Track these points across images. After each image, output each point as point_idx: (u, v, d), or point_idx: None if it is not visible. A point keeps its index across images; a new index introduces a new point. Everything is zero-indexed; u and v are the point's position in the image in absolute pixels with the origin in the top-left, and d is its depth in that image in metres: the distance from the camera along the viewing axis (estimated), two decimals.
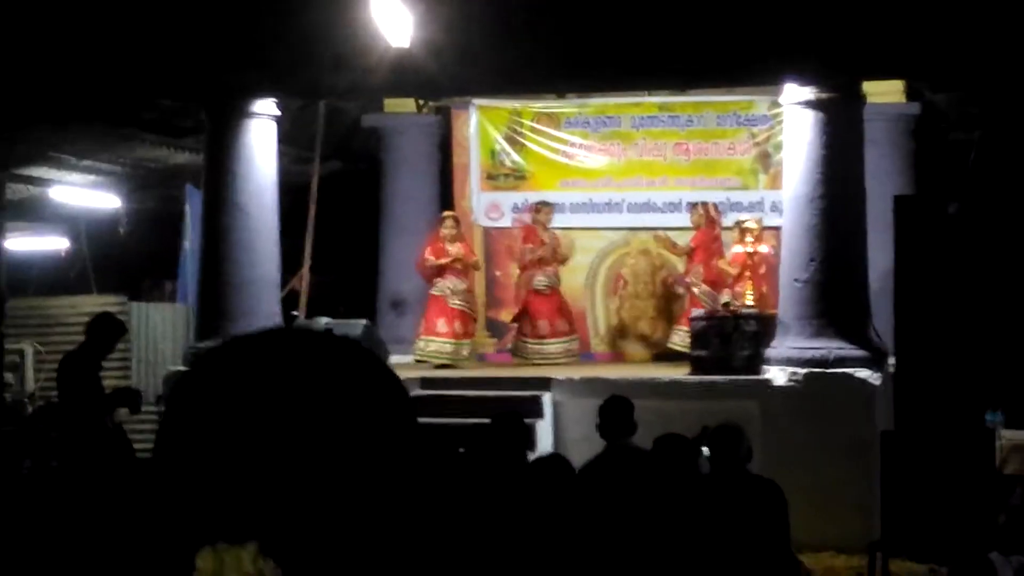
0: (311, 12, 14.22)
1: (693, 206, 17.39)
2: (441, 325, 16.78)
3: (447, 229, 16.95)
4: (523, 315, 17.28)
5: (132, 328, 18.84)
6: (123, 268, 21.95)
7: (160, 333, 19.22)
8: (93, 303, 19.23)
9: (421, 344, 16.83)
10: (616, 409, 9.34)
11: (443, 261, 16.82)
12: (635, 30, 14.00)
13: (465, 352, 17.13)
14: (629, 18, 13.97)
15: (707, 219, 17.08)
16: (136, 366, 18.86)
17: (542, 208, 17.47)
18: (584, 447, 11.10)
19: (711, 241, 17.06)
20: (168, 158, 19.49)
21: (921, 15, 13.50)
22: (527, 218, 17.70)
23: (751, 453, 8.88)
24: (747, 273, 16.01)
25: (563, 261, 17.63)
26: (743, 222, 16.57)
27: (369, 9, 13.80)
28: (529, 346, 17.19)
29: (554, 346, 17.15)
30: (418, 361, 16.69)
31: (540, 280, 17.25)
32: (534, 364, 16.87)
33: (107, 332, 13.08)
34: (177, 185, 19.73)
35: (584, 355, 18.16)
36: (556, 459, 8.38)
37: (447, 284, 16.86)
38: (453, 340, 16.89)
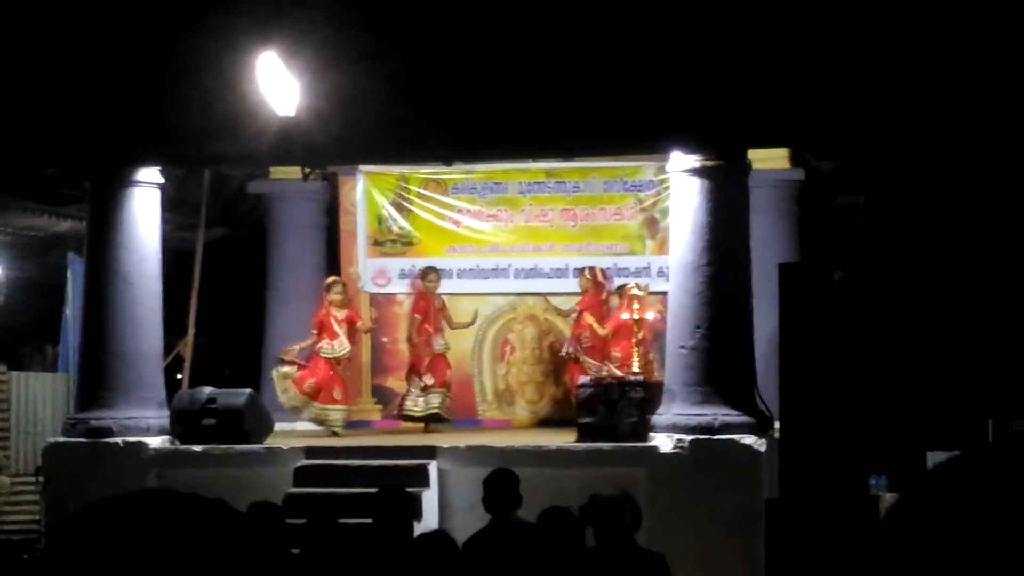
0: (195, 80, 14.14)
1: (581, 271, 17.45)
2: (337, 392, 16.67)
3: (335, 294, 16.87)
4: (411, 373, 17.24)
5: (11, 398, 18.60)
6: (3, 337, 21.64)
7: (40, 403, 18.95)
8: None
9: (322, 411, 16.61)
10: (501, 482, 9.27)
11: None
12: (521, 100, 14.03)
13: (348, 419, 17.09)
14: (515, 88, 14.01)
15: (594, 283, 17.16)
16: (15, 436, 18.60)
17: (429, 273, 17.43)
18: (471, 516, 11.05)
19: (598, 305, 17.11)
20: (50, 226, 19.29)
21: (802, 85, 13.66)
22: (419, 284, 17.60)
23: (640, 522, 8.85)
24: (632, 339, 16.02)
25: (468, 326, 17.74)
26: (627, 287, 16.59)
27: (254, 77, 13.75)
28: (408, 401, 17.09)
29: (432, 398, 17.05)
30: (318, 422, 16.53)
31: (440, 343, 17.23)
32: (414, 419, 16.84)
33: None
34: (59, 253, 19.52)
35: (471, 421, 18.14)
36: (440, 536, 8.31)
37: (336, 348, 16.75)
38: (346, 408, 16.86)
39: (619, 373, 15.69)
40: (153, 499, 1.89)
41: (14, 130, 14.99)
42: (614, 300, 17.19)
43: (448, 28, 14.10)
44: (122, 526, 1.82)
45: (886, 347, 14.52)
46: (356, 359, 18.09)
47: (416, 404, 16.99)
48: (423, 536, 8.55)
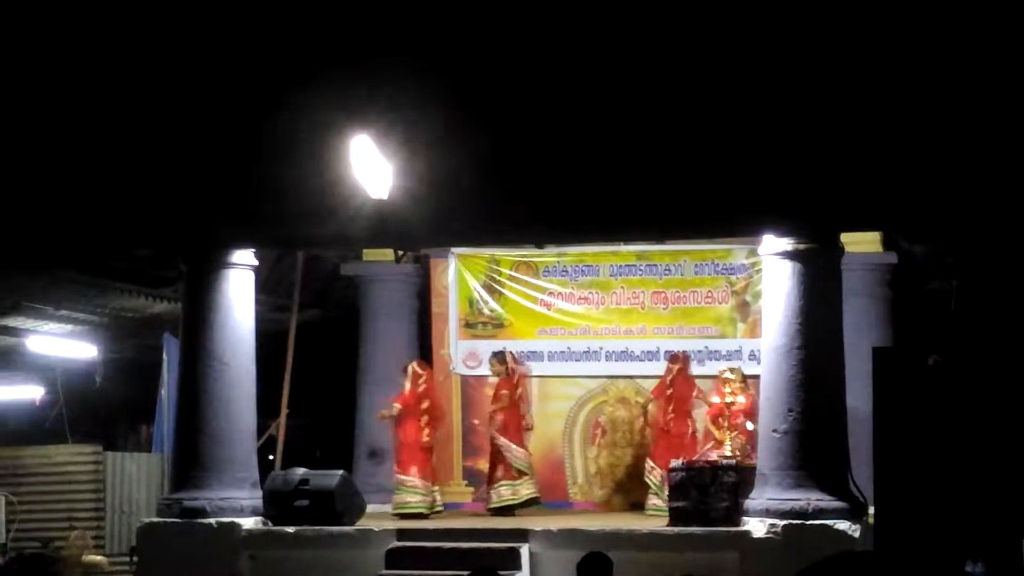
0: (289, 163, 14.25)
1: (673, 357, 17.33)
2: (414, 473, 16.72)
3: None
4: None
5: (106, 478, 18.74)
6: (99, 417, 21.86)
7: (135, 483, 19.10)
8: (67, 452, 19.16)
9: (404, 494, 16.74)
10: (593, 566, 9.24)
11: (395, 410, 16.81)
12: (613, 183, 14.04)
13: (439, 499, 17.07)
14: (607, 171, 14.02)
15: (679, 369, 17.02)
16: (110, 516, 18.73)
17: (492, 359, 17.58)
18: None
19: (662, 394, 17.01)
20: (146, 308, 19.47)
21: (895, 168, 13.58)
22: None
23: None
24: (726, 424, 15.93)
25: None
26: (723, 372, 16.52)
27: (348, 160, 13.86)
28: (490, 492, 17.15)
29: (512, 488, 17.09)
30: (397, 511, 16.58)
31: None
32: (502, 508, 16.84)
33: None
34: (155, 334, 19.70)
35: (562, 504, 18.08)
36: None
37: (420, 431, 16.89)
38: (425, 489, 16.88)
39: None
40: None
41: (110, 212, 15.17)
42: (707, 384, 17.09)
43: (540, 110, 14.14)
44: None
45: (982, 431, 14.36)
46: (448, 442, 18.21)
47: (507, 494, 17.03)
48: None
